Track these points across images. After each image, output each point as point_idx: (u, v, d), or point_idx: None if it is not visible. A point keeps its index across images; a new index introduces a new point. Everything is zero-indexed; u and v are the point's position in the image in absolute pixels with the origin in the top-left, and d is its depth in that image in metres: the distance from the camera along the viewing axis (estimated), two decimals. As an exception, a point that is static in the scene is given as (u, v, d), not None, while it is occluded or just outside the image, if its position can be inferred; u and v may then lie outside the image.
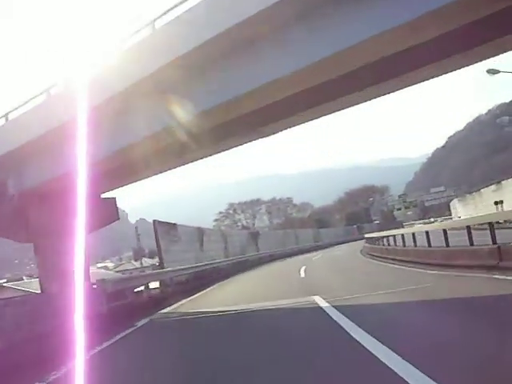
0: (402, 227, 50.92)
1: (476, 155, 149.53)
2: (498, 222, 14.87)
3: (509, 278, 8.15)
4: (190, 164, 18.55)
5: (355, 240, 58.54)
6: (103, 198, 19.06)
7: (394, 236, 20.87)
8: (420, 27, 9.15)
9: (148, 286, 15.71)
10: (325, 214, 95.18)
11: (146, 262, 63.04)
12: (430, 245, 13.95)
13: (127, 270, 55.52)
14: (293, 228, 62.36)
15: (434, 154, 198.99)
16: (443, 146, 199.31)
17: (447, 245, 12.36)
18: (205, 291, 17.17)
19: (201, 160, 18.08)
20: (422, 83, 13.19)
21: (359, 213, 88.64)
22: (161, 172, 19.23)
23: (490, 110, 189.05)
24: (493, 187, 36.91)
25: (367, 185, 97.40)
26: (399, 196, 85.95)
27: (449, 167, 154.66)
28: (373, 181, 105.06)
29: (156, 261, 34.77)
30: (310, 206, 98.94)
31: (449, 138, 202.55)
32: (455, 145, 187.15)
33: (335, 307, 7.76)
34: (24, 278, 50.80)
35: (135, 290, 14.36)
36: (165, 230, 20.20)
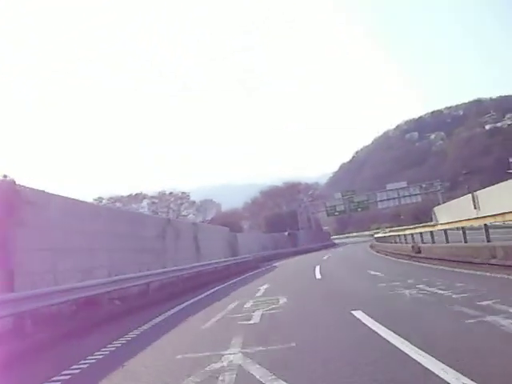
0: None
1: (387, 169, 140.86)
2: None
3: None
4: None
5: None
6: None
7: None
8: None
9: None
10: (234, 218, 66.61)
11: None
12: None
13: None
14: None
15: (341, 167, 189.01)
16: (350, 161, 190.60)
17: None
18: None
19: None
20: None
21: (282, 217, 61.61)
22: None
23: (398, 126, 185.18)
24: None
25: (290, 182, 71.51)
26: (344, 194, 60.11)
27: (357, 180, 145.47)
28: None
29: None
30: (216, 204, 69.18)
31: (356, 152, 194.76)
32: (362, 159, 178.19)
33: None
34: None
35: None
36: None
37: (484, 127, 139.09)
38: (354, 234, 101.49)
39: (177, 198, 64.63)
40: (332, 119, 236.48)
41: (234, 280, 17.71)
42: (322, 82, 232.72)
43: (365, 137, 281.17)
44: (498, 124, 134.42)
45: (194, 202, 65.66)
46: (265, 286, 13.01)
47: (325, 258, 29.09)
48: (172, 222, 17.31)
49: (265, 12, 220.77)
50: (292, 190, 69.07)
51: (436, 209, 51.23)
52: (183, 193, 66.11)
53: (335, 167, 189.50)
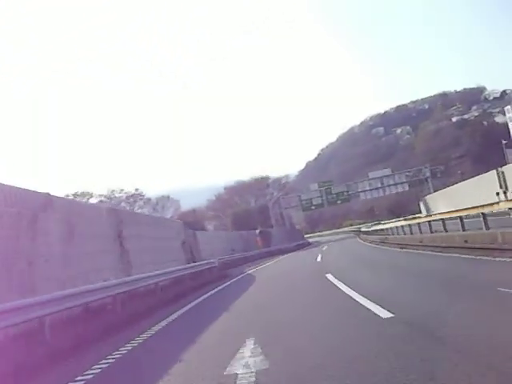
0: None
1: (354, 165, 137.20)
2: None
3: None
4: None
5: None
6: None
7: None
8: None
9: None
10: (196, 217, 58.08)
11: None
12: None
13: None
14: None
15: (307, 166, 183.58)
16: (315, 159, 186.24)
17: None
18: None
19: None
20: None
21: (252, 213, 53.65)
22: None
23: (363, 121, 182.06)
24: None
25: (257, 176, 63.54)
26: (320, 185, 52.73)
27: (323, 177, 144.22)
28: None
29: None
30: (175, 201, 60.19)
31: (321, 149, 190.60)
32: (328, 156, 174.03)
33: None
34: None
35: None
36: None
37: (451, 119, 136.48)
38: (327, 231, 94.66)
39: (129, 196, 55.57)
40: (295, 118, 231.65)
41: (181, 311, 9.59)
42: (282, 80, 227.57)
43: (330, 134, 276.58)
44: (465, 116, 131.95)
45: (149, 200, 56.74)
46: (248, 347, 4.98)
47: (318, 259, 21.68)
48: (57, 204, 8.87)
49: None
50: (260, 184, 61.32)
51: (429, 198, 44.87)
52: (137, 189, 57.02)
53: (301, 166, 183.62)
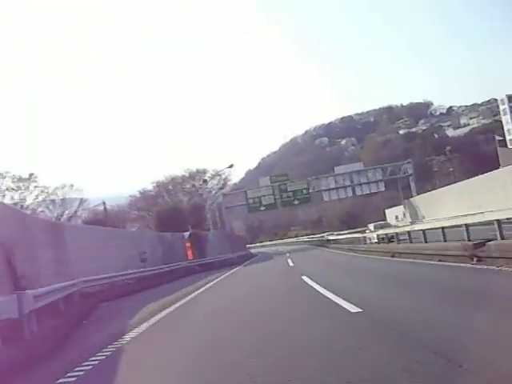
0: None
1: (296, 174, 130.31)
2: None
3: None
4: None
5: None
6: None
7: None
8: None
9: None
10: (114, 218, 44.55)
11: None
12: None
13: None
14: None
15: (247, 174, 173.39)
16: (256, 167, 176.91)
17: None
18: None
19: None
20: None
21: (183, 213, 40.73)
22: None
23: (307, 131, 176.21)
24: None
25: (193, 170, 50.38)
26: (273, 180, 41.13)
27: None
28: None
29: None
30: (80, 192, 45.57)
31: (262, 159, 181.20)
32: (270, 165, 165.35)
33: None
34: None
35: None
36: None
37: (398, 132, 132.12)
38: (269, 242, 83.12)
39: (17, 180, 40.60)
40: (237, 126, 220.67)
41: None
42: (226, 87, 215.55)
43: (272, 143, 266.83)
44: (413, 129, 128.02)
45: (46, 188, 41.95)
46: None
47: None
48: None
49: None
50: (196, 179, 48.40)
51: (417, 199, 34.99)
52: (31, 174, 42.13)
53: (241, 174, 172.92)
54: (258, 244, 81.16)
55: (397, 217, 45.87)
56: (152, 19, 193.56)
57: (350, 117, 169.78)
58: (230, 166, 35.25)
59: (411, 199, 37.74)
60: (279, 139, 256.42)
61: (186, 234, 27.68)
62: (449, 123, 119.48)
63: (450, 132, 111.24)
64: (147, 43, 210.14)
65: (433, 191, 34.32)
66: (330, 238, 40.67)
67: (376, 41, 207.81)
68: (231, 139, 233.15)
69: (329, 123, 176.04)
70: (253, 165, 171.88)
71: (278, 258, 32.20)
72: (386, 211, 49.02)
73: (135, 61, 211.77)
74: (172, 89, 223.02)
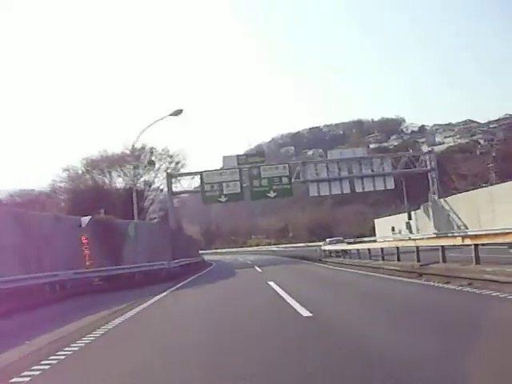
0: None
1: None
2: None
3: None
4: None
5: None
6: None
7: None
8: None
9: None
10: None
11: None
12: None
13: None
14: None
15: None
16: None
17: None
18: None
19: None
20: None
21: (111, 197, 28.72)
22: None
23: (273, 139, 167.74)
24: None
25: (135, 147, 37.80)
26: (242, 160, 29.99)
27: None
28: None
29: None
30: None
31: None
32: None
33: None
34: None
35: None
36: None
37: (369, 146, 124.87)
38: (225, 249, 71.88)
39: None
40: (200, 130, 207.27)
41: None
42: (193, 94, 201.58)
43: (236, 148, 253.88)
44: (384, 144, 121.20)
45: None
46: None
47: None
48: None
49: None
50: (138, 158, 36.05)
51: (448, 201, 25.00)
52: None
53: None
54: (212, 250, 69.73)
55: (394, 228, 35.91)
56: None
57: (319, 128, 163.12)
58: (176, 113, 23.73)
59: (440, 199, 27.87)
60: (243, 145, 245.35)
61: (85, 219, 15.73)
62: (423, 140, 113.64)
63: (425, 148, 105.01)
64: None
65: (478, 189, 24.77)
66: (328, 247, 29.61)
67: (349, 54, 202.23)
68: (194, 147, 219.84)
69: (296, 132, 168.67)
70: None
71: (245, 272, 21.17)
72: (377, 221, 39.14)
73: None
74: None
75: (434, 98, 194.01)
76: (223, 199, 31.80)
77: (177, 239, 27.96)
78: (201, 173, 32.46)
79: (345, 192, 31.38)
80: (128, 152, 34.70)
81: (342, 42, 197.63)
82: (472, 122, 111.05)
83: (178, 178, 34.84)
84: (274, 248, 52.49)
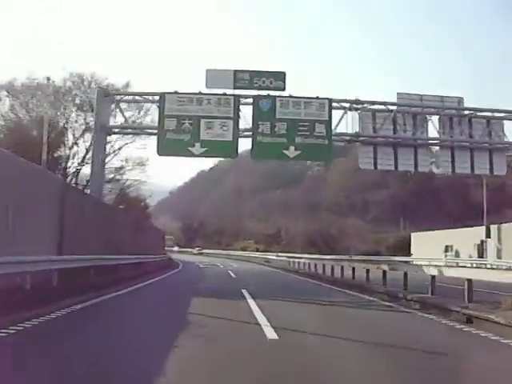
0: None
1: (255, 181, 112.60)
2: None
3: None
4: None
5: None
6: None
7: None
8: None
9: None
10: None
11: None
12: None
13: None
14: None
15: (199, 175, 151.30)
16: (210, 169, 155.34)
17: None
18: None
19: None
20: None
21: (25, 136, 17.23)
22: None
23: (213, 167, 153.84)
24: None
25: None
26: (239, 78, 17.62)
27: (219, 191, 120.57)
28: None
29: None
30: None
31: (216, 165, 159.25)
32: (225, 170, 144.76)
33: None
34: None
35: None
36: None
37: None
38: (212, 250, 61.13)
39: None
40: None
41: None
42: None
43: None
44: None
45: None
46: None
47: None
48: None
49: None
50: (83, 91, 23.77)
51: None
52: None
53: (193, 174, 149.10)
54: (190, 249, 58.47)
55: (448, 248, 24.60)
56: None
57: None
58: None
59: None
60: (240, 146, 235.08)
61: None
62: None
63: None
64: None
65: None
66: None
67: (349, 54, 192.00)
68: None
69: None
70: (206, 166, 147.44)
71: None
72: (414, 235, 27.65)
73: None
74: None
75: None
76: (197, 149, 17.50)
77: (100, 217, 15.27)
78: (161, 95, 18.41)
79: (420, 170, 19.17)
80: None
81: (342, 42, 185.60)
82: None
83: (118, 98, 20.56)
84: (269, 256, 40.63)
